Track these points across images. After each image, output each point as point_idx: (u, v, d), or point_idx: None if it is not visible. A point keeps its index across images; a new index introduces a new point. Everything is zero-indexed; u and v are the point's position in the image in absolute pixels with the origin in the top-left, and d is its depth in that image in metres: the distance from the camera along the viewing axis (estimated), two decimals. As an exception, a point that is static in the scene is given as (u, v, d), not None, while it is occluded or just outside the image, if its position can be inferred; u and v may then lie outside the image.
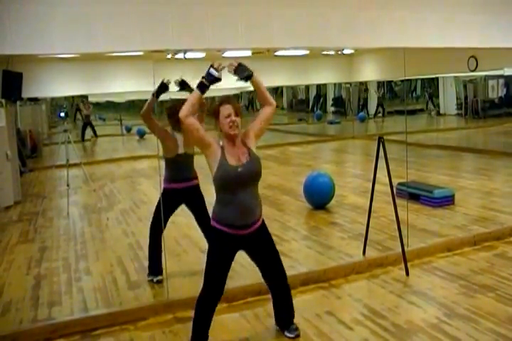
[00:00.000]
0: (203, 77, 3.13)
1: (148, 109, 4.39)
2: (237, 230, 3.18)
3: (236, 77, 3.19)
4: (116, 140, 18.54)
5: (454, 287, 4.21)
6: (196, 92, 3.15)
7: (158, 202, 4.46)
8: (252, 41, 4.15)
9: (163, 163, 4.61)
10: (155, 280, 4.60)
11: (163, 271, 4.56)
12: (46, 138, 17.51)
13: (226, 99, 3.20)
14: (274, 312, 3.59)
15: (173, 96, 4.76)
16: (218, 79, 3.13)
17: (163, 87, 4.44)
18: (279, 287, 3.49)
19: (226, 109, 3.15)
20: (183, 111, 3.06)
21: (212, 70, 3.11)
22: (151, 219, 4.62)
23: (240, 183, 3.11)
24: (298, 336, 3.48)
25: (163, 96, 4.58)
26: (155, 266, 4.62)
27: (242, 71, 3.16)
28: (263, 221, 3.34)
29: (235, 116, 3.14)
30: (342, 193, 7.59)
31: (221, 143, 3.20)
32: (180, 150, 4.44)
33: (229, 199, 3.13)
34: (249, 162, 3.16)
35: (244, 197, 3.13)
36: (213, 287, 3.27)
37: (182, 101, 3.30)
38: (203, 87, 3.13)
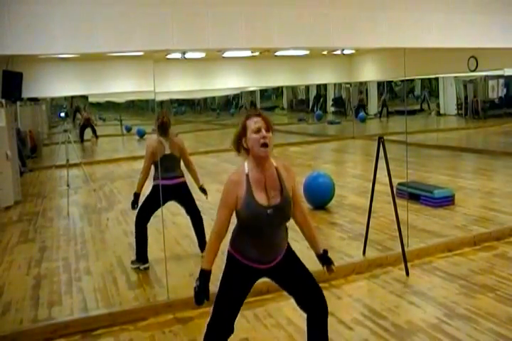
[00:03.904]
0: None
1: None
2: (260, 265, 2.74)
3: None
4: (116, 140, 18.54)
5: (454, 287, 4.21)
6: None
7: (146, 198, 4.89)
8: (252, 41, 4.15)
9: None
10: (142, 267, 4.90)
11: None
12: (46, 138, 17.49)
13: (254, 112, 2.66)
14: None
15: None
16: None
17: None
18: (318, 313, 2.84)
19: (255, 123, 2.59)
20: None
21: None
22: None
23: (268, 225, 2.66)
24: None
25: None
26: (143, 254, 4.94)
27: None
28: (288, 245, 2.86)
29: (267, 132, 2.58)
30: (342, 193, 7.59)
31: (246, 168, 2.65)
32: (167, 151, 4.87)
33: (254, 235, 2.69)
34: (281, 204, 2.65)
35: (271, 234, 2.70)
36: (223, 321, 2.73)
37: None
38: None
